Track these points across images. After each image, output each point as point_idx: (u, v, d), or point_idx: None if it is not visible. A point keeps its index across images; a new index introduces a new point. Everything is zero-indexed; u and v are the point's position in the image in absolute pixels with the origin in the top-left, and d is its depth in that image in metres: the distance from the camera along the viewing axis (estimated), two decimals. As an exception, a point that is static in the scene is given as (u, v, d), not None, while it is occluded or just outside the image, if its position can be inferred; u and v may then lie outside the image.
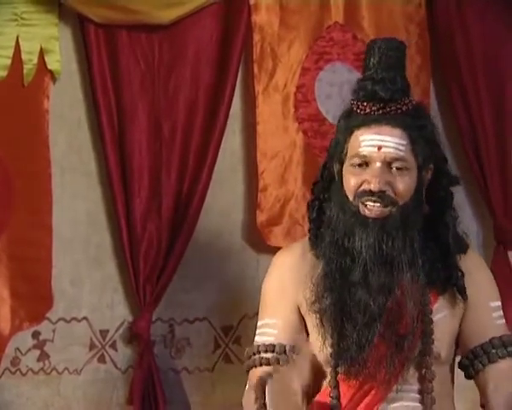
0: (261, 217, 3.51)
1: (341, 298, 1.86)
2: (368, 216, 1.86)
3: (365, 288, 1.84)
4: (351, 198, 1.89)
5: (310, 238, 1.98)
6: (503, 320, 2.00)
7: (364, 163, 1.88)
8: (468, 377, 2.00)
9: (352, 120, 1.91)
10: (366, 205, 1.87)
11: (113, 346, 3.58)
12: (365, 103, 1.89)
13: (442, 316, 1.92)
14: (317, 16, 3.58)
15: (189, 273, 3.58)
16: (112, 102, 3.51)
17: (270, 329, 1.97)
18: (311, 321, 1.92)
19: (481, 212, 3.71)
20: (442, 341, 1.91)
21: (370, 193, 1.86)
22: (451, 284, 1.92)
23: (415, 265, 1.86)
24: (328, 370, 1.91)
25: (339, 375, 1.90)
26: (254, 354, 1.97)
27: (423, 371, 1.89)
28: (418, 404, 1.90)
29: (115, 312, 3.58)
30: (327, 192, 1.97)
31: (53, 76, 3.48)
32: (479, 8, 3.64)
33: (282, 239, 3.53)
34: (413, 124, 1.89)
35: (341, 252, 1.87)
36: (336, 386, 1.90)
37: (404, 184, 1.88)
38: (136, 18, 3.50)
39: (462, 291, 1.93)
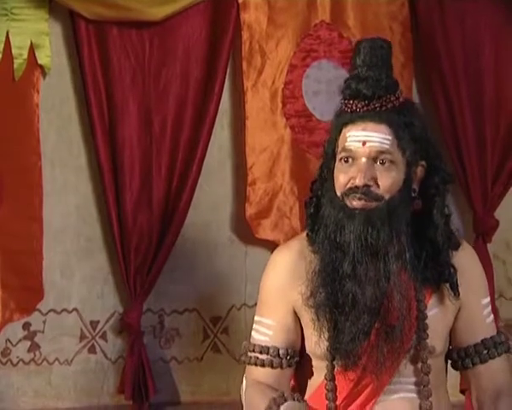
0: (250, 210, 3.33)
1: (334, 292, 1.75)
2: (355, 207, 1.75)
3: (354, 280, 1.73)
4: (338, 194, 1.78)
5: (307, 234, 1.85)
6: (492, 316, 1.88)
7: (351, 159, 1.77)
8: (454, 368, 1.90)
9: (341, 118, 1.79)
10: (352, 199, 1.76)
11: (104, 336, 3.33)
12: (351, 101, 1.77)
13: (436, 311, 1.80)
14: (304, 15, 3.39)
15: (178, 265, 3.34)
16: (103, 97, 3.26)
17: (266, 329, 1.84)
18: (307, 316, 1.80)
19: (461, 205, 3.46)
20: (436, 335, 1.79)
21: (356, 189, 1.75)
22: (443, 280, 1.80)
23: (402, 257, 1.74)
24: (324, 364, 1.79)
25: (335, 369, 1.78)
26: (250, 352, 1.85)
27: (419, 364, 1.78)
28: (415, 395, 1.79)
29: (105, 303, 3.33)
30: (323, 189, 1.85)
31: (43, 71, 3.22)
32: (459, 8, 3.43)
33: (270, 232, 3.33)
34: (399, 120, 1.76)
35: (333, 246, 1.76)
36: (332, 379, 1.78)
37: (389, 179, 1.75)
38: (127, 15, 3.24)
39: (455, 288, 1.80)
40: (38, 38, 3.17)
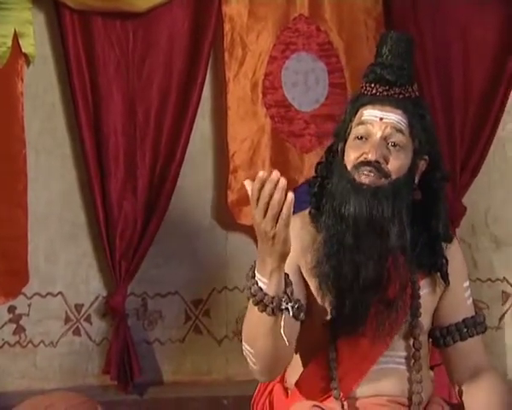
0: (231, 197, 3.07)
1: (339, 262, 1.66)
2: (362, 182, 1.66)
3: (357, 252, 1.65)
4: (349, 168, 1.69)
5: (310, 212, 1.75)
6: (472, 298, 1.83)
7: (365, 135, 1.69)
8: (436, 346, 1.82)
9: (359, 101, 1.72)
10: (361, 174, 1.67)
11: (88, 319, 3.04)
12: (372, 85, 1.71)
13: (425, 292, 1.75)
14: (283, 8, 3.14)
15: (161, 250, 3.06)
16: (87, 86, 2.97)
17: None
18: (312, 285, 1.70)
19: None
20: (425, 314, 1.75)
21: (367, 163, 1.67)
22: (436, 269, 1.75)
23: (403, 237, 1.67)
24: (327, 331, 1.70)
25: (337, 339, 1.69)
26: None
27: (411, 340, 1.73)
28: (404, 368, 1.73)
29: (90, 287, 3.04)
30: (328, 171, 1.75)
31: (27, 59, 2.90)
32: (430, 5, 3.20)
33: (251, 218, 2.85)
34: (414, 110, 1.70)
35: (338, 219, 1.67)
36: (334, 349, 1.69)
37: (398, 161, 1.68)
38: (113, 5, 2.94)
39: (446, 278, 1.76)
40: (22, 26, 2.85)
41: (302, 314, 1.59)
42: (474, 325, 1.77)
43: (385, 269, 1.65)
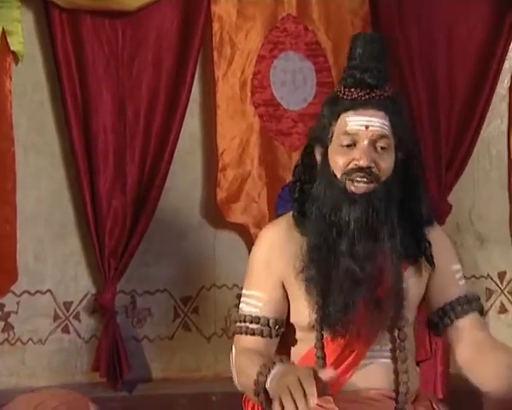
0: (221, 195, 3.00)
1: (327, 267, 1.64)
2: (355, 192, 1.64)
3: (351, 257, 1.64)
4: (339, 176, 1.66)
5: (293, 215, 1.73)
6: (464, 281, 1.79)
7: (352, 143, 1.66)
8: (438, 334, 1.78)
9: (339, 106, 1.68)
10: (353, 181, 1.65)
11: (77, 317, 2.95)
12: (352, 89, 1.67)
13: (410, 283, 1.71)
14: (271, 8, 3.06)
15: (150, 248, 2.98)
16: (76, 84, 2.87)
17: (256, 301, 1.72)
18: (295, 289, 1.69)
19: None
20: (409, 305, 1.71)
21: (359, 169, 1.64)
22: (421, 253, 1.72)
23: (394, 236, 1.65)
24: (311, 334, 1.69)
25: (324, 338, 1.68)
26: (240, 322, 1.73)
27: (396, 332, 1.70)
28: (389, 361, 1.70)
29: (79, 284, 2.95)
30: (307, 174, 1.72)
31: (16, 57, 2.81)
32: (415, 4, 3.13)
33: (240, 215, 3.01)
34: (393, 108, 1.69)
35: (328, 225, 1.65)
36: (322, 347, 1.68)
37: (386, 162, 1.67)
38: (102, 4, 2.85)
39: (430, 260, 1.73)
40: (11, 24, 2.76)
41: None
42: (469, 302, 1.72)
43: (376, 269, 1.63)
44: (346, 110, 1.64)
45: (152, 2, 2.88)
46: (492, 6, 3.13)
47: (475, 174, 3.17)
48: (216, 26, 2.95)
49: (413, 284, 1.71)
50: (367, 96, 1.64)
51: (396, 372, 1.68)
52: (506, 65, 3.14)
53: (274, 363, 1.53)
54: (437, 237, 1.75)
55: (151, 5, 2.88)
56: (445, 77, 3.12)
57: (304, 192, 1.70)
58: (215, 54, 2.95)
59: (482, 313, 1.74)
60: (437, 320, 1.74)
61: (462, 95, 3.12)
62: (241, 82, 2.98)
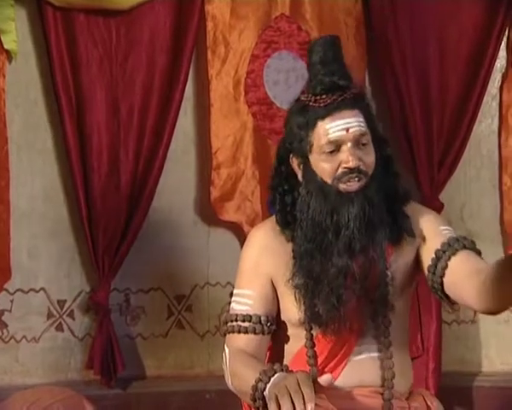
0: (214, 193, 2.95)
1: (318, 271, 1.63)
2: (350, 191, 1.64)
3: (347, 254, 1.62)
4: (329, 181, 1.65)
5: (278, 223, 1.72)
6: (454, 233, 1.70)
7: (336, 148, 1.65)
8: (441, 289, 1.64)
9: (313, 114, 1.65)
10: (345, 182, 1.65)
11: (71, 315, 2.89)
12: (324, 96, 1.65)
13: (396, 267, 1.68)
14: (265, 8, 3.02)
15: (144, 246, 2.93)
16: (70, 83, 2.83)
17: (246, 299, 1.72)
18: (287, 289, 1.68)
19: (409, 186, 2.94)
20: (396, 292, 1.67)
21: (349, 171, 1.64)
22: (399, 228, 1.68)
23: (383, 225, 1.65)
24: (302, 331, 1.69)
25: (315, 335, 1.68)
26: (232, 321, 1.72)
27: (380, 319, 1.67)
28: (376, 354, 1.68)
29: (72, 282, 2.90)
30: (286, 184, 1.71)
31: (9, 55, 2.76)
32: (408, 5, 3.10)
33: (234, 214, 2.97)
34: (362, 103, 1.70)
35: (323, 230, 1.63)
36: (312, 346, 1.68)
37: (370, 156, 1.68)
38: (96, 3, 2.80)
39: (410, 231, 1.68)
40: (4, 23, 2.70)
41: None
42: (458, 240, 1.64)
43: (368, 262, 1.62)
44: (322, 118, 1.63)
45: (146, 0, 2.84)
46: (483, 6, 3.11)
47: (467, 173, 3.15)
48: (209, 25, 2.92)
49: (400, 268, 1.68)
50: (340, 99, 1.63)
51: (381, 360, 1.66)
52: (497, 64, 3.13)
53: (275, 371, 1.51)
54: (415, 209, 1.73)
55: (145, 4, 2.84)
56: (436, 76, 3.10)
57: (285, 202, 1.69)
58: (209, 53, 2.91)
59: (476, 251, 1.64)
60: (436, 272, 1.63)
61: (454, 94, 3.10)
62: (235, 81, 2.94)
